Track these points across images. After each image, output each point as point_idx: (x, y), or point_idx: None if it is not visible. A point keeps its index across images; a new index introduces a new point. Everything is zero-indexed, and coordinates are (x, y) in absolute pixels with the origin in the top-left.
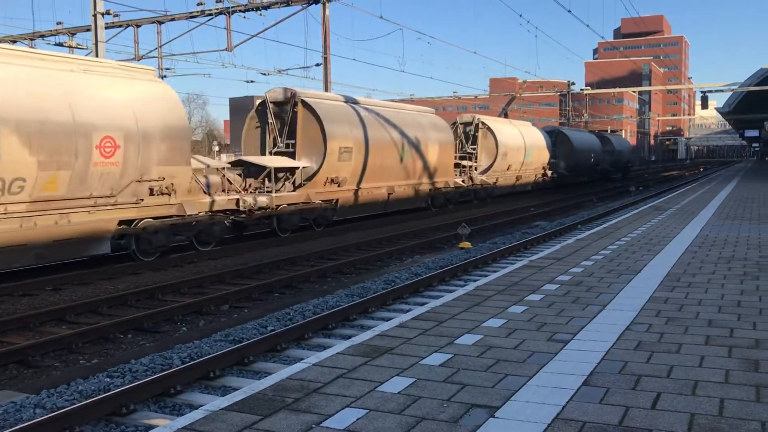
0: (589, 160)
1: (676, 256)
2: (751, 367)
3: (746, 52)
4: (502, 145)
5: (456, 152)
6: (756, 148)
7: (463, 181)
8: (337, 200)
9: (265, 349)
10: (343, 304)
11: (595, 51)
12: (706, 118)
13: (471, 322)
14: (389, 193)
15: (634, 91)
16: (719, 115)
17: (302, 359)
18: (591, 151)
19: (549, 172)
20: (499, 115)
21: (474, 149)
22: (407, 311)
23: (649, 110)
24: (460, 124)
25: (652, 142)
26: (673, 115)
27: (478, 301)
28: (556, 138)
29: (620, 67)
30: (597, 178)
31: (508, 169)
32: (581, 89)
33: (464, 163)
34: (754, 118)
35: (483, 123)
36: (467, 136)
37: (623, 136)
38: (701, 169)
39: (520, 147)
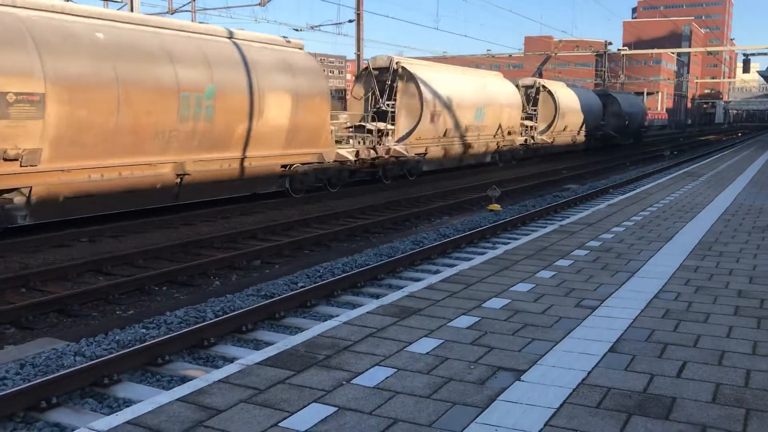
0: (586, 124)
1: (709, 224)
2: None
3: None
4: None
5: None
6: None
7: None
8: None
9: (295, 305)
10: (372, 264)
11: (634, 10)
12: (748, 81)
13: (499, 286)
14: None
15: (673, 53)
16: (761, 79)
17: (332, 316)
18: (590, 113)
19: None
20: (534, 75)
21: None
22: (435, 273)
23: (688, 72)
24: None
25: (689, 105)
26: (713, 78)
27: (507, 265)
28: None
29: (660, 27)
30: (596, 146)
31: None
32: (618, 49)
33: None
34: None
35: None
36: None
37: (645, 97)
38: (739, 134)
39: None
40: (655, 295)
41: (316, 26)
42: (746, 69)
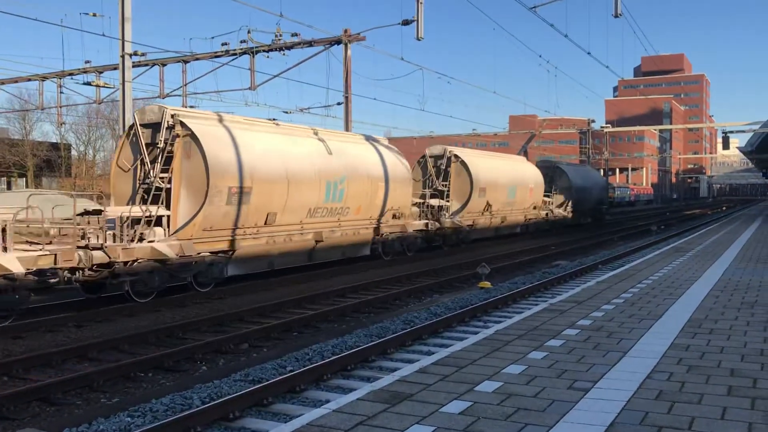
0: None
1: (698, 301)
2: None
3: None
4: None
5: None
6: None
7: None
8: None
9: (284, 390)
10: (362, 345)
11: (615, 89)
12: (729, 156)
13: (491, 368)
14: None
15: (655, 129)
16: (742, 154)
17: (322, 401)
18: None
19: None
20: (519, 153)
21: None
22: (427, 353)
23: (670, 148)
24: (430, 156)
25: (673, 180)
26: (695, 153)
27: (498, 346)
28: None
29: (640, 105)
30: (535, 229)
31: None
32: (601, 127)
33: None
34: None
35: (456, 156)
36: (545, 177)
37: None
38: (724, 208)
39: (500, 185)
40: (648, 375)
41: (305, 109)
42: (726, 146)
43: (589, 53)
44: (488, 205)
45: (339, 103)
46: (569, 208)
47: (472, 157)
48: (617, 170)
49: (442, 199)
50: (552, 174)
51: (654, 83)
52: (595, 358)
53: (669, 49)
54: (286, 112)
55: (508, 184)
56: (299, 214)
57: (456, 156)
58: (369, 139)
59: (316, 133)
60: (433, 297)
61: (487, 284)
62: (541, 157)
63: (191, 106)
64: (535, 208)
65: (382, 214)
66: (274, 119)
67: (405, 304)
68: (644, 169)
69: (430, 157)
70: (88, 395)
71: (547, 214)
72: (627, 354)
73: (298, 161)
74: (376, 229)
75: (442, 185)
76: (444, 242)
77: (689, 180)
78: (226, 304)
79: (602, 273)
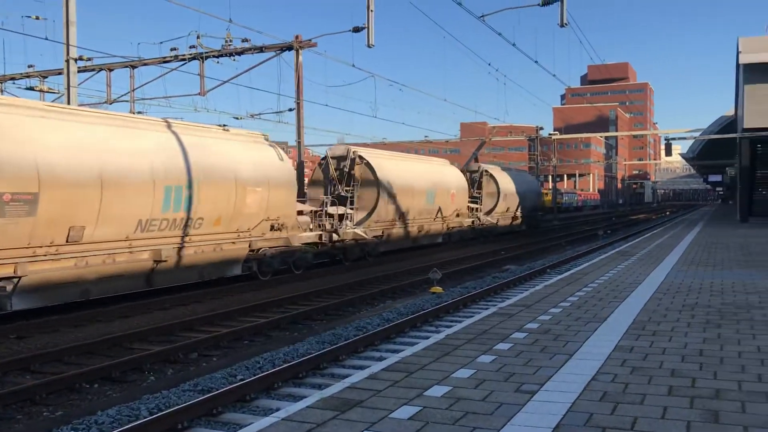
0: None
1: (642, 304)
2: (711, 418)
3: (709, 98)
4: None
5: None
6: (720, 192)
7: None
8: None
9: (234, 399)
10: (314, 352)
11: (563, 97)
12: (672, 162)
13: (440, 373)
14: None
15: (601, 136)
16: (684, 160)
17: (272, 410)
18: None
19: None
20: (470, 160)
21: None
22: (379, 359)
23: (616, 155)
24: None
25: (619, 185)
26: (640, 160)
27: (448, 351)
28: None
29: (587, 113)
30: (459, 238)
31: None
32: (549, 134)
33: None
34: (716, 164)
35: (486, 171)
36: (473, 182)
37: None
38: (668, 213)
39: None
40: (593, 377)
41: (256, 114)
42: (668, 153)
43: (536, 62)
44: (401, 212)
45: (291, 109)
46: (498, 216)
47: (380, 158)
48: (565, 176)
49: (345, 206)
50: (479, 179)
51: (600, 91)
52: (542, 361)
53: (614, 58)
54: (237, 118)
55: (426, 189)
56: (124, 227)
57: (361, 157)
58: (240, 134)
59: (168, 126)
60: (386, 303)
61: (438, 289)
62: (496, 163)
63: (139, 112)
64: (458, 215)
65: (255, 226)
66: (224, 125)
67: (358, 310)
68: (591, 175)
69: (333, 158)
70: (29, 409)
71: (473, 222)
72: (573, 356)
73: (125, 159)
74: (251, 244)
75: (346, 191)
76: (345, 256)
77: (634, 186)
78: (172, 314)
79: (550, 277)
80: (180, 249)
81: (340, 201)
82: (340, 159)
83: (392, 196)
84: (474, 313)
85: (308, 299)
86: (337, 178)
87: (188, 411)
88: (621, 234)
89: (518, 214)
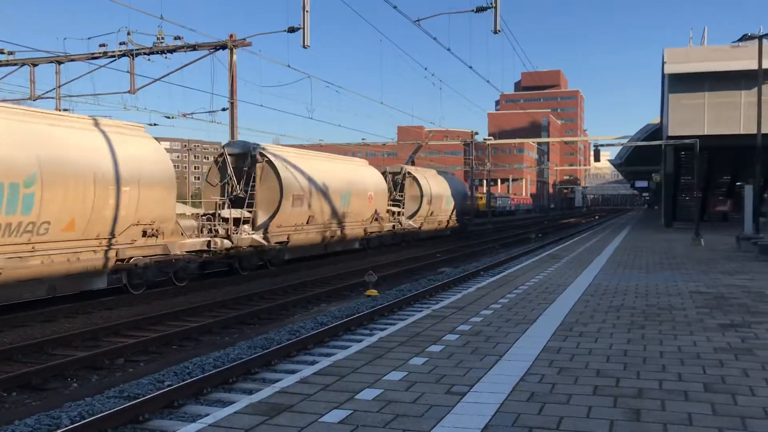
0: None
1: (570, 306)
2: (634, 416)
3: (636, 107)
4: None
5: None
6: (646, 198)
7: (393, 226)
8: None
9: (161, 406)
10: (246, 357)
11: (498, 102)
12: (601, 169)
13: (372, 376)
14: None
15: (534, 142)
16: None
17: (201, 416)
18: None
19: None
20: (406, 163)
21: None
22: (312, 363)
23: (548, 160)
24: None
25: (551, 190)
26: (570, 165)
27: (381, 354)
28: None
29: (521, 119)
30: (378, 243)
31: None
32: (484, 139)
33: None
34: (643, 170)
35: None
36: (395, 184)
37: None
38: (597, 217)
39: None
40: (521, 378)
41: (189, 114)
42: (597, 158)
43: (471, 67)
44: (310, 216)
45: (224, 109)
46: (421, 220)
47: (285, 156)
48: (499, 181)
49: (244, 208)
50: (401, 181)
51: (533, 98)
52: (472, 362)
53: (547, 66)
54: (168, 117)
55: (340, 190)
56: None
57: (262, 154)
58: (108, 124)
59: (5, 110)
60: (321, 306)
61: (374, 292)
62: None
63: (65, 110)
64: (377, 219)
65: (123, 232)
66: (154, 124)
67: (292, 314)
68: (524, 180)
69: (231, 155)
70: None
71: (394, 227)
72: (503, 357)
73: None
74: (118, 253)
75: (244, 192)
76: (241, 266)
77: (565, 191)
78: (99, 317)
79: (483, 279)
80: (21, 260)
81: (239, 203)
82: (239, 157)
83: (299, 198)
84: (408, 316)
85: (239, 303)
86: (236, 178)
87: (112, 418)
88: (552, 237)
89: (444, 218)
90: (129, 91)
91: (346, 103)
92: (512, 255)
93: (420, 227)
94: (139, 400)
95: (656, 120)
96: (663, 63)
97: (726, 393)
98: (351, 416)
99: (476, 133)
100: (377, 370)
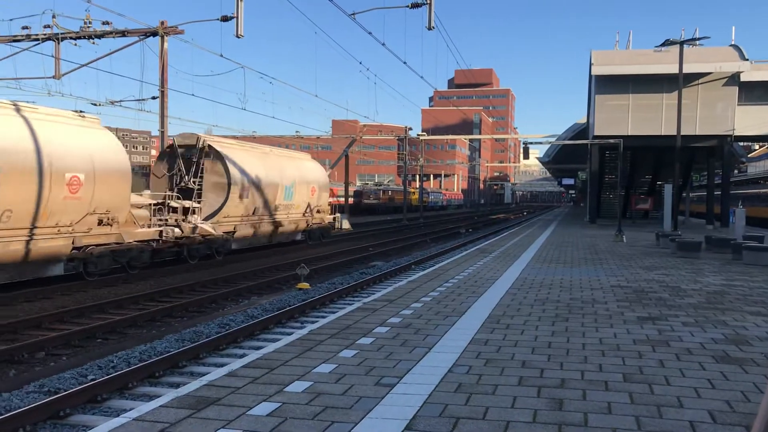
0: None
1: (498, 298)
2: (556, 406)
3: (564, 106)
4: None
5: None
6: (572, 195)
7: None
8: (234, 232)
9: (83, 400)
10: (173, 350)
11: (431, 99)
12: (530, 166)
13: (302, 368)
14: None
15: (466, 139)
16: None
17: (125, 410)
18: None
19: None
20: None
21: (197, 183)
22: (241, 357)
23: (479, 157)
24: (179, 146)
25: (482, 186)
26: (501, 162)
27: (311, 346)
28: None
29: (454, 115)
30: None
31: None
32: (418, 135)
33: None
34: (570, 168)
35: (211, 146)
36: (188, 164)
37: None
38: (525, 213)
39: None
40: (449, 369)
41: (117, 102)
42: (526, 156)
43: (405, 63)
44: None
45: (154, 98)
46: (235, 221)
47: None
48: (431, 176)
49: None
50: (198, 159)
51: (466, 95)
52: (402, 354)
53: (479, 64)
54: (95, 104)
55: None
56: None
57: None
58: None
59: None
60: (252, 299)
61: (306, 285)
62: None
63: None
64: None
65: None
66: (80, 111)
67: (222, 307)
68: (456, 175)
69: (180, 147)
70: None
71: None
72: (432, 349)
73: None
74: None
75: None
76: (189, 255)
77: (495, 187)
78: (20, 310)
79: (414, 273)
80: None
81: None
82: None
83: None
84: (339, 309)
85: (168, 296)
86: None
87: (31, 414)
88: (482, 232)
89: (294, 217)
90: (54, 77)
91: (280, 95)
92: (443, 249)
93: (234, 233)
94: (60, 395)
95: (583, 120)
96: (590, 65)
97: (643, 383)
98: (280, 409)
99: (410, 129)
100: (307, 362)
